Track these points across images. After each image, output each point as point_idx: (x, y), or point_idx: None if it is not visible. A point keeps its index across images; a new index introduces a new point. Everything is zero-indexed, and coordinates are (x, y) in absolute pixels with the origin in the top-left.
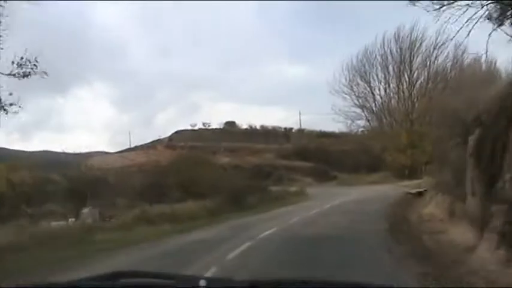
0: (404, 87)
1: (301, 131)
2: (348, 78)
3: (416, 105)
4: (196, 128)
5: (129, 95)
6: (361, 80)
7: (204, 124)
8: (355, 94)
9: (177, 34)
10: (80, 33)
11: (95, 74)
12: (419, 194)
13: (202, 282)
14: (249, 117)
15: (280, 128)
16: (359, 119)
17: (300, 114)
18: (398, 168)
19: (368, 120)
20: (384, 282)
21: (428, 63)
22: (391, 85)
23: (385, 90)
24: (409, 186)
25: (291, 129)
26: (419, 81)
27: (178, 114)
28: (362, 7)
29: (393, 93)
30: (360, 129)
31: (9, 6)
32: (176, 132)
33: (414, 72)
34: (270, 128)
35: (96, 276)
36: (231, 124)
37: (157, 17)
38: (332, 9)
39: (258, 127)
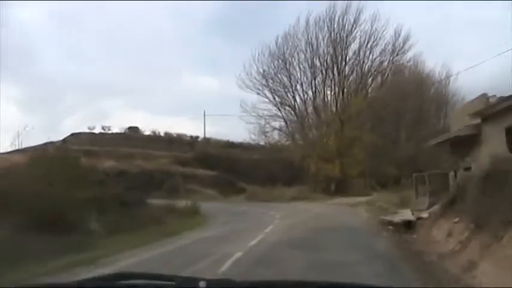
0: (336, 81)
1: (207, 139)
2: (262, 69)
3: (349, 103)
4: (95, 131)
5: (36, 97)
6: (280, 72)
7: (103, 128)
8: (270, 89)
9: (90, 40)
10: None
11: (2, 74)
12: (408, 226)
13: (202, 284)
14: (161, 126)
15: (185, 135)
16: (275, 120)
17: (204, 115)
18: (323, 181)
19: (286, 122)
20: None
21: (363, 54)
22: (317, 79)
23: (311, 85)
24: (347, 204)
25: (197, 137)
26: (352, 76)
27: (86, 120)
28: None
29: (320, 89)
30: (275, 132)
31: None
32: (72, 134)
33: (346, 65)
34: (174, 135)
35: (97, 278)
36: (134, 129)
37: (70, 22)
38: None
39: (162, 134)
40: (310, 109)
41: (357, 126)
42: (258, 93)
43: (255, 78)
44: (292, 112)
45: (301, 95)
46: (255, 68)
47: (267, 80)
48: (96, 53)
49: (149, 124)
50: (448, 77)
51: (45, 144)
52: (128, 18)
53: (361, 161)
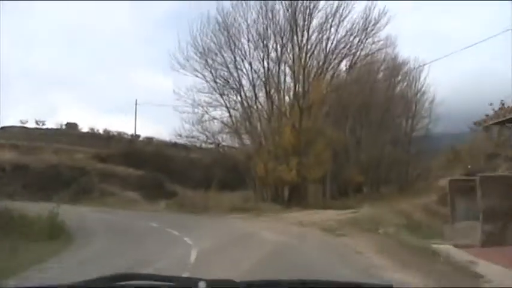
0: (296, 57)
1: (149, 138)
2: (202, 45)
3: (309, 88)
4: (27, 125)
5: None
6: (224, 48)
7: (37, 122)
8: (211, 69)
9: (41, 29)
10: None
11: None
12: None
13: (201, 284)
14: (106, 124)
15: (125, 134)
16: (216, 109)
17: (136, 104)
18: (274, 186)
19: (229, 111)
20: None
21: (328, 28)
22: (271, 55)
23: (262, 62)
24: (317, 225)
25: (138, 136)
26: (314, 56)
27: (30, 114)
28: None
29: (275, 69)
30: (215, 124)
31: None
32: (2, 128)
33: (309, 40)
34: (114, 133)
35: (96, 279)
36: (72, 126)
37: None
38: None
39: (101, 131)
40: (260, 94)
41: (319, 118)
42: (196, 75)
43: (195, 56)
44: (238, 97)
45: (250, 76)
46: (193, 43)
47: (206, 60)
48: (46, 45)
49: (95, 121)
50: (419, 67)
51: None
52: (84, 12)
53: (324, 161)
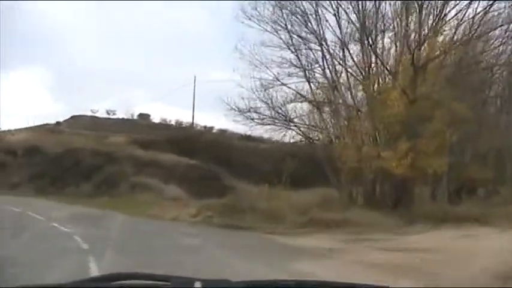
0: None
1: (223, 132)
2: None
3: (425, 40)
4: (98, 115)
5: (63, 84)
6: None
7: (108, 112)
8: (285, 23)
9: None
10: (21, 17)
11: (33, 59)
12: None
13: (197, 284)
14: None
15: (199, 125)
16: (289, 74)
17: (194, 81)
18: (371, 182)
19: (306, 72)
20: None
21: None
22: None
23: (357, 14)
24: None
25: (212, 128)
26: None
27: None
28: None
29: (372, 10)
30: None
31: None
32: (72, 117)
33: None
34: (186, 124)
35: (92, 278)
36: (143, 116)
37: (101, 10)
38: None
39: (173, 122)
40: (353, 49)
41: (437, 83)
42: (265, 29)
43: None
44: (319, 56)
45: (338, 20)
46: None
47: (280, 9)
48: (122, 44)
49: (168, 114)
50: None
51: (45, 125)
52: (153, 12)
53: (445, 147)
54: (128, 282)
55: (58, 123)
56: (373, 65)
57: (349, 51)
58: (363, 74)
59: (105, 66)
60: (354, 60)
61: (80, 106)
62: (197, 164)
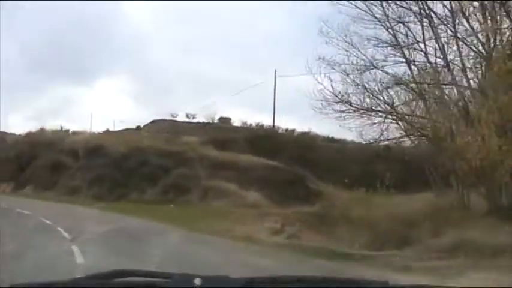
0: None
1: (305, 134)
2: None
3: None
4: (178, 119)
5: (148, 90)
6: None
7: (187, 116)
8: None
9: (199, 33)
10: (105, 24)
11: (117, 66)
12: None
13: (197, 281)
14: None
15: (280, 128)
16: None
17: (275, 75)
18: (495, 186)
19: (406, 52)
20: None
21: None
22: None
23: None
24: None
25: (293, 130)
26: None
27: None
28: None
29: None
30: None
31: None
32: (153, 122)
33: None
34: (267, 127)
35: (93, 275)
36: (224, 120)
37: (182, 14)
38: None
39: (253, 126)
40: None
41: None
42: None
43: None
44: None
45: None
46: None
47: None
48: (204, 48)
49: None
50: None
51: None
52: (237, 17)
53: None
54: (129, 280)
55: (138, 127)
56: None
57: (455, 22)
58: (485, 48)
59: (186, 72)
60: (472, 29)
61: (162, 111)
62: (279, 166)
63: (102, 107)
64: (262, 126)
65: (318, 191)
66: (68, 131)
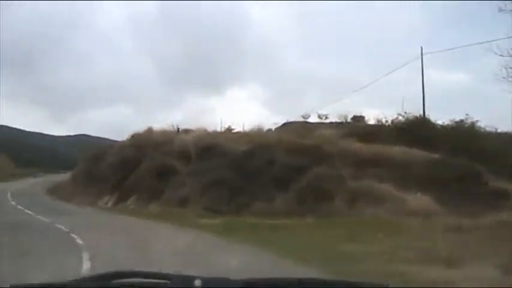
0: None
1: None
2: None
3: None
4: (309, 120)
5: (278, 96)
6: None
7: (319, 116)
8: None
9: (327, 37)
10: (235, 35)
11: (248, 74)
12: None
13: (197, 282)
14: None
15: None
16: None
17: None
18: None
19: None
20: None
21: None
22: None
23: None
24: None
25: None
26: None
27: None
28: None
29: None
30: None
31: None
32: (284, 124)
33: None
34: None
35: (92, 277)
36: (358, 118)
37: (309, 19)
38: None
39: (389, 122)
40: None
41: None
42: None
43: None
44: None
45: None
46: None
47: None
48: (331, 51)
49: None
50: None
51: None
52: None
53: None
54: (129, 280)
55: (269, 130)
56: None
57: None
58: None
59: (315, 75)
60: None
61: (293, 116)
62: (443, 159)
63: (234, 115)
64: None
65: (501, 190)
66: (178, 129)
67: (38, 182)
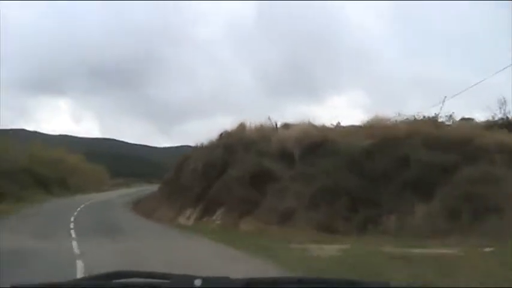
0: None
1: None
2: None
3: None
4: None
5: (380, 101)
6: None
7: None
8: None
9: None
10: (334, 38)
11: (349, 81)
12: None
13: (197, 282)
14: None
15: None
16: None
17: None
18: None
19: None
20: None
21: None
22: None
23: None
24: None
25: None
26: None
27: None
28: None
29: None
30: None
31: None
32: None
33: None
34: None
35: (92, 277)
36: (467, 120)
37: (407, 19)
38: None
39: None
40: None
41: None
42: None
43: None
44: None
45: None
46: None
47: None
48: (431, 51)
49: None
50: None
51: None
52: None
53: None
54: (128, 280)
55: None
56: None
57: None
58: None
59: (416, 77)
60: None
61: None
62: None
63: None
64: None
65: None
66: (276, 124)
67: (129, 193)
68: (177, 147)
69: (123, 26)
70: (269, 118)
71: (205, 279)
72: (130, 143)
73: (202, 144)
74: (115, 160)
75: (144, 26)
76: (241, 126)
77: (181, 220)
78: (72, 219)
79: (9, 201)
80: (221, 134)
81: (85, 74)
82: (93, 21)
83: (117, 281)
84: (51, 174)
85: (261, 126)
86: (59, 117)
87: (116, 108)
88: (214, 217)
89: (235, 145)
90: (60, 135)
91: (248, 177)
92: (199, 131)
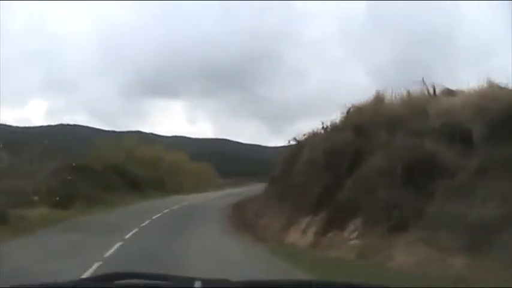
0: None
1: None
2: None
3: None
4: None
5: None
6: None
7: None
8: None
9: None
10: (447, 34)
11: (462, 77)
12: None
13: (197, 284)
14: None
15: None
16: None
17: None
18: None
19: None
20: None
21: None
22: None
23: None
24: None
25: None
26: None
27: None
28: None
29: None
30: None
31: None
32: None
33: None
34: None
35: (93, 278)
36: None
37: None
38: None
39: None
40: None
41: None
42: None
43: None
44: None
45: None
46: None
47: None
48: None
49: None
50: None
51: None
52: None
53: None
54: (129, 282)
55: None
56: None
57: None
58: None
59: None
60: None
61: None
62: None
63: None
64: None
65: None
66: (434, 90)
67: (234, 193)
68: (289, 147)
69: (235, 28)
70: (423, 80)
71: (205, 281)
72: (243, 143)
73: (324, 126)
74: (227, 160)
75: (256, 27)
76: (378, 98)
77: (293, 235)
78: (114, 246)
79: (81, 203)
80: (348, 111)
81: (198, 76)
82: (207, 25)
83: (118, 282)
84: (146, 174)
85: (409, 94)
86: (174, 119)
87: (229, 108)
88: (346, 232)
89: (372, 124)
90: (174, 137)
91: (400, 169)
92: (307, 129)
